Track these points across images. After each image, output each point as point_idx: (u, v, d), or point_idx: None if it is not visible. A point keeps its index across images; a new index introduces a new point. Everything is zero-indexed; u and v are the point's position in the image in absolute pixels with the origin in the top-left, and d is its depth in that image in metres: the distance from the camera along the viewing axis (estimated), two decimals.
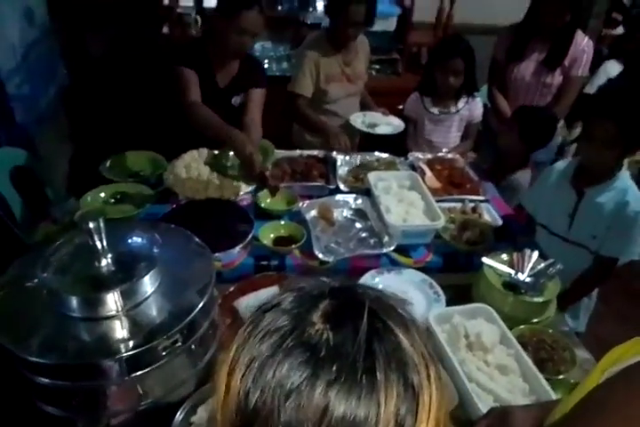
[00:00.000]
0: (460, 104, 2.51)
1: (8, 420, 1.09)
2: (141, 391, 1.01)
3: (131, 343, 0.93)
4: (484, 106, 2.63)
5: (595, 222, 1.76)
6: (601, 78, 3.03)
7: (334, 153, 2.17)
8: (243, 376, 0.47)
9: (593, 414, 0.63)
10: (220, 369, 0.50)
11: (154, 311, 1.01)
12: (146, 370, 0.96)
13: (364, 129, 2.42)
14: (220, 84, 2.14)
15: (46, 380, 0.93)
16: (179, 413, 1.07)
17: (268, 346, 0.47)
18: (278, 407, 0.44)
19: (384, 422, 0.44)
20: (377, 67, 3.59)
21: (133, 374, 0.95)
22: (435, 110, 2.51)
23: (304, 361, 0.45)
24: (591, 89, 2.99)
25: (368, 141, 2.51)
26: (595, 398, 0.64)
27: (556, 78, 2.50)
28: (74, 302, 0.95)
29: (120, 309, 0.97)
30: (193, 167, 1.90)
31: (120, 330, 0.97)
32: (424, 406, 0.47)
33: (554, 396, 1.16)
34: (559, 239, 1.86)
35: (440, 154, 2.32)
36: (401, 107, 2.66)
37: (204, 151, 2.00)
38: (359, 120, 2.47)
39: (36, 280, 0.98)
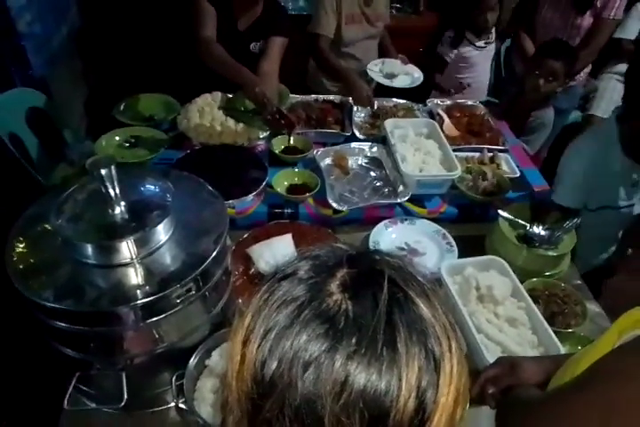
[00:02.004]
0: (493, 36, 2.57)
1: (26, 359, 1.13)
2: (157, 336, 1.03)
3: (145, 291, 0.94)
4: (508, 49, 2.53)
5: None
6: (634, 22, 2.81)
7: (351, 99, 2.10)
8: (259, 346, 0.46)
9: (601, 383, 0.62)
10: (234, 337, 0.49)
11: (168, 259, 1.01)
12: (160, 317, 0.98)
13: (381, 81, 2.32)
14: (239, 27, 2.01)
15: (62, 324, 0.95)
16: (193, 356, 1.11)
17: (284, 316, 0.46)
18: (296, 379, 0.44)
19: (405, 395, 0.43)
20: (397, 5, 3.41)
21: (148, 321, 0.97)
22: (480, 43, 2.55)
23: (323, 333, 0.44)
24: (622, 34, 2.72)
25: (384, 90, 2.42)
26: (605, 365, 0.63)
27: (586, 20, 2.36)
28: (88, 249, 0.96)
29: (134, 256, 0.98)
30: (206, 112, 1.86)
31: (134, 277, 0.98)
32: (445, 379, 0.46)
33: (561, 348, 1.18)
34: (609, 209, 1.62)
35: (460, 100, 2.25)
36: (422, 49, 2.55)
37: (218, 95, 1.95)
38: (376, 68, 2.37)
39: (50, 227, 0.99)
